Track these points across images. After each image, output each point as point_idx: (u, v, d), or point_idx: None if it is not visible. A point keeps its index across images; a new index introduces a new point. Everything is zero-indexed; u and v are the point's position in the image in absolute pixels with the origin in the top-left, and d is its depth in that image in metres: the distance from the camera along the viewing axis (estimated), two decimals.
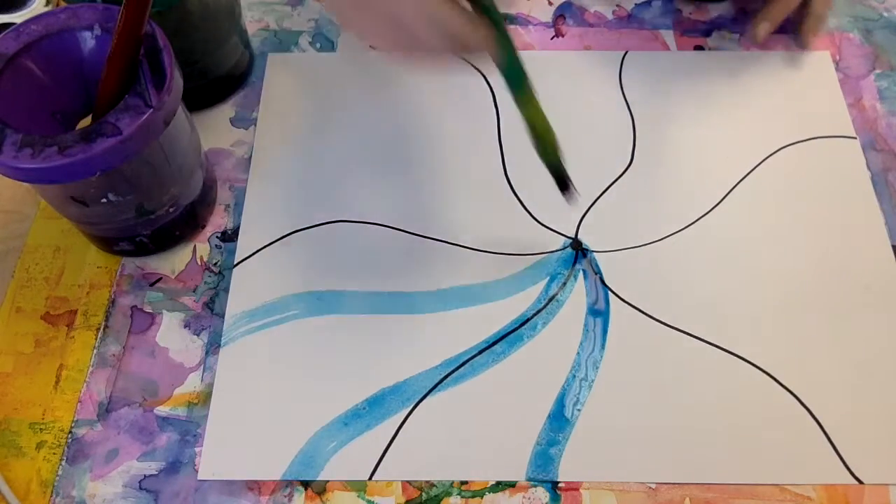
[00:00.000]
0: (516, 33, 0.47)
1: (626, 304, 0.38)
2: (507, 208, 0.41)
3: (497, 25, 0.30)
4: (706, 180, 0.42)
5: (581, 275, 0.39)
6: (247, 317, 0.38)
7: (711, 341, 0.37)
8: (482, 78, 0.45)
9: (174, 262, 0.40)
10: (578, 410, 0.35)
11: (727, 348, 0.37)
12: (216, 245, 0.40)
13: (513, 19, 0.48)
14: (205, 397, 0.36)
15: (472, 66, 0.32)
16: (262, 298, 0.38)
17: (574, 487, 0.34)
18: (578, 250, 0.40)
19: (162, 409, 0.36)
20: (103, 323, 0.38)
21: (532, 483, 0.34)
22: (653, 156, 0.43)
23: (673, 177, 0.42)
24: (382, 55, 0.32)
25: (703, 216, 0.41)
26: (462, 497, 0.34)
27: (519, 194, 0.41)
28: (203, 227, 0.41)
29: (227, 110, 0.45)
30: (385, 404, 0.36)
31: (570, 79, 0.45)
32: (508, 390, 0.36)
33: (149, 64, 0.33)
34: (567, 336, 0.37)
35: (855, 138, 0.43)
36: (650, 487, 0.34)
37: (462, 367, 0.36)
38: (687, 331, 0.37)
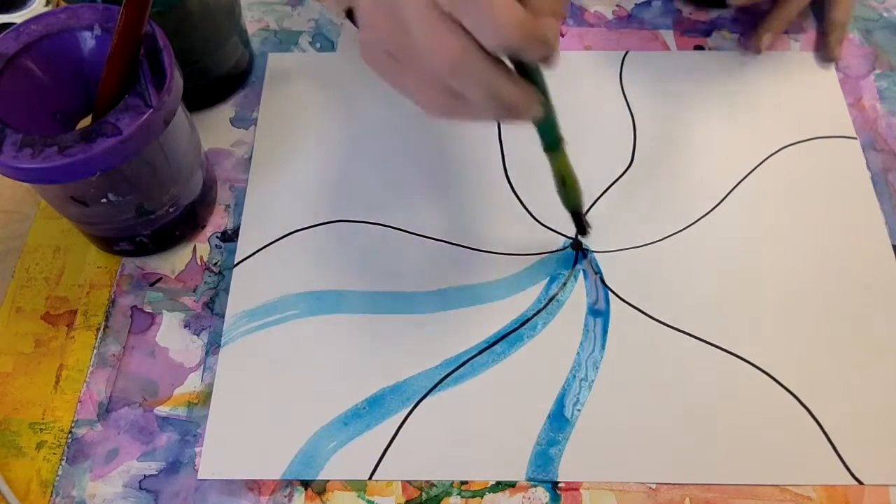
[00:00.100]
0: None
1: (627, 305, 0.38)
2: (507, 208, 0.41)
3: (544, 92, 0.30)
4: (707, 180, 0.42)
5: (581, 275, 0.39)
6: (247, 316, 0.38)
7: (711, 341, 0.37)
8: None
9: (174, 262, 0.40)
10: (578, 410, 0.35)
11: (727, 348, 0.37)
12: (216, 245, 0.40)
13: None
14: (205, 397, 0.36)
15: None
16: (262, 298, 0.38)
17: (574, 487, 0.34)
18: (579, 250, 0.40)
19: (162, 409, 0.36)
20: (103, 323, 0.38)
21: (532, 483, 0.34)
22: (653, 156, 0.43)
23: (673, 177, 0.42)
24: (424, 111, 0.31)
25: (703, 216, 0.41)
26: (462, 497, 0.34)
27: (519, 194, 0.41)
28: (203, 227, 0.41)
29: (227, 110, 0.45)
30: (385, 404, 0.36)
31: (570, 79, 0.45)
32: (508, 390, 0.36)
33: (149, 64, 0.33)
34: (567, 336, 0.37)
35: (855, 138, 0.43)
36: (650, 487, 0.34)
37: (462, 367, 0.36)
38: (687, 331, 0.37)
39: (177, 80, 0.33)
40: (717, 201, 0.41)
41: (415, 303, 0.38)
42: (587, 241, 0.40)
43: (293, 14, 0.49)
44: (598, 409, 0.35)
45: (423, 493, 0.34)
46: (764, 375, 0.36)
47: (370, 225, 0.41)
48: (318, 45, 0.47)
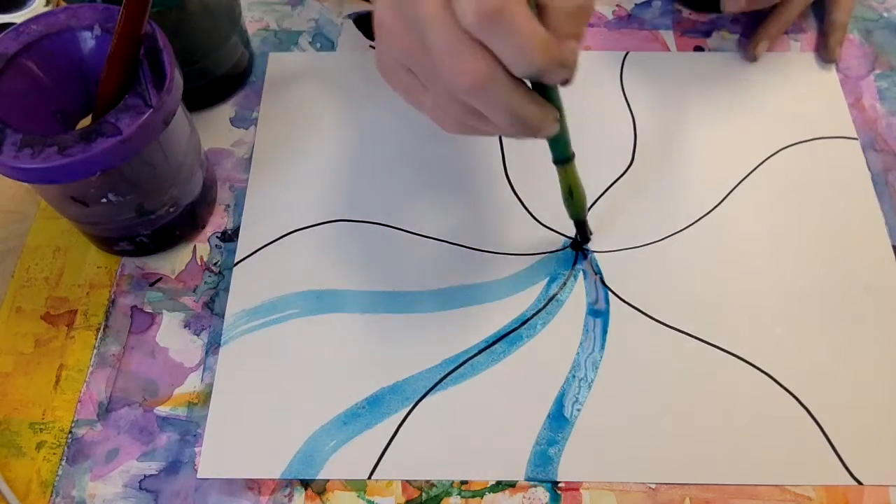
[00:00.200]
0: None
1: (626, 305, 0.38)
2: (507, 208, 0.41)
3: (559, 109, 0.30)
4: (707, 181, 0.42)
5: (581, 275, 0.39)
6: (246, 315, 0.38)
7: (711, 341, 0.37)
8: None
9: (174, 262, 0.40)
10: (578, 410, 0.35)
11: (727, 348, 0.37)
12: (216, 245, 0.40)
13: None
14: (205, 397, 0.36)
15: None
16: (261, 297, 0.38)
17: (574, 487, 0.34)
18: (578, 250, 0.40)
19: (162, 409, 0.36)
20: (103, 323, 0.38)
21: (532, 483, 0.34)
22: (654, 156, 0.43)
23: (674, 177, 0.42)
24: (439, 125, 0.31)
25: (703, 216, 0.41)
26: (462, 497, 0.34)
27: (519, 194, 0.41)
28: (203, 227, 0.41)
29: (227, 110, 0.45)
30: (384, 404, 0.36)
31: None
32: (508, 390, 0.36)
33: (149, 64, 0.33)
34: (567, 336, 0.37)
35: (855, 139, 0.43)
36: (650, 487, 0.34)
37: (462, 367, 0.36)
38: (687, 331, 0.37)
39: (177, 80, 0.33)
40: (718, 201, 0.41)
41: (415, 302, 0.38)
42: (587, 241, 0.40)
43: (293, 14, 0.49)
44: (598, 409, 0.35)
45: (423, 493, 0.34)
46: (763, 375, 0.36)
47: (370, 224, 0.41)
48: (318, 45, 0.47)
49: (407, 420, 0.35)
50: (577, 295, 0.38)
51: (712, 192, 0.41)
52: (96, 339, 0.37)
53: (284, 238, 0.40)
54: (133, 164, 0.33)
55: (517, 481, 0.34)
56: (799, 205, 0.41)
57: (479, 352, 0.37)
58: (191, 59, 0.40)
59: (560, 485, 0.34)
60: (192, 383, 0.36)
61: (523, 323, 0.38)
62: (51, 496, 0.34)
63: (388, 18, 0.29)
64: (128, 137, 0.31)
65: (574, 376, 0.36)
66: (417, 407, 0.35)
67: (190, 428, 0.35)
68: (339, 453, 0.34)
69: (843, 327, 0.37)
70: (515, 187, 0.42)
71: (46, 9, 0.46)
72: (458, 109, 0.29)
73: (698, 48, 0.47)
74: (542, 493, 0.34)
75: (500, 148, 0.43)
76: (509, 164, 0.42)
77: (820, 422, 0.35)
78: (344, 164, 0.43)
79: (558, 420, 0.35)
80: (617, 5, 0.49)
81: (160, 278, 0.39)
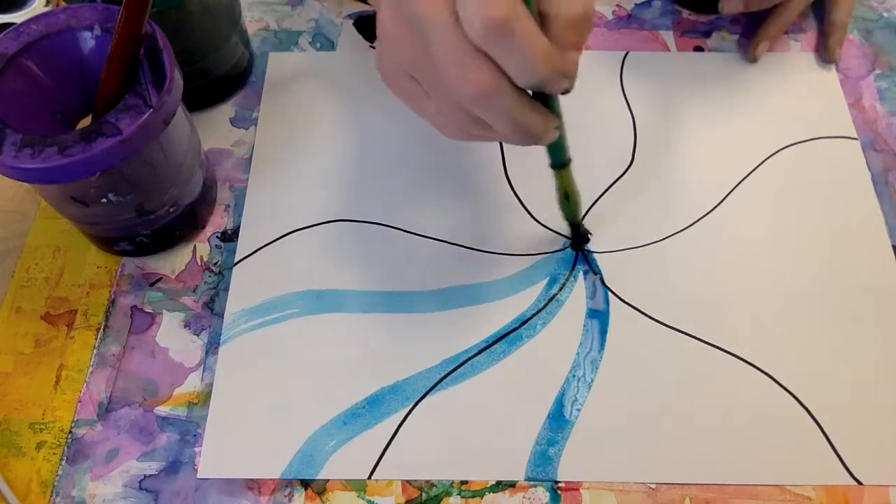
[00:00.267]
0: None
1: (626, 305, 0.38)
2: (507, 208, 0.41)
3: (559, 116, 0.31)
4: (707, 181, 0.42)
5: (581, 275, 0.39)
6: (246, 315, 0.38)
7: (711, 341, 0.37)
8: None
9: (174, 262, 0.40)
10: (578, 410, 0.35)
11: (727, 348, 0.37)
12: (216, 245, 0.40)
13: None
14: (205, 397, 0.36)
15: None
16: (261, 297, 0.38)
17: (574, 487, 0.34)
18: (578, 251, 0.40)
19: (162, 409, 0.36)
20: (103, 323, 0.38)
21: (532, 483, 0.34)
22: (654, 156, 0.43)
23: (674, 177, 0.42)
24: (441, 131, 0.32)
25: (703, 216, 0.41)
26: (462, 497, 0.34)
27: (519, 194, 0.41)
28: (203, 227, 0.41)
29: (227, 110, 0.45)
30: (384, 403, 0.36)
31: None
32: (508, 390, 0.36)
33: (149, 64, 0.33)
34: (566, 336, 0.37)
35: (856, 139, 0.43)
36: (650, 487, 0.34)
37: (461, 367, 0.36)
38: (687, 331, 0.37)
39: (177, 80, 0.33)
40: (718, 202, 0.41)
41: (415, 302, 0.38)
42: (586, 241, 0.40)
43: (293, 14, 0.49)
44: (598, 409, 0.35)
45: (423, 493, 0.34)
46: (763, 375, 0.36)
47: (370, 224, 0.41)
48: (318, 45, 0.47)
49: (407, 420, 0.35)
50: (577, 295, 0.38)
51: (712, 192, 0.41)
52: (96, 339, 0.37)
53: (284, 238, 0.40)
54: (133, 164, 0.33)
55: (517, 481, 0.34)
56: (799, 205, 0.41)
57: (479, 352, 0.37)
58: (191, 59, 0.40)
59: (560, 485, 0.34)
60: (192, 383, 0.36)
61: (523, 323, 0.38)
62: (51, 496, 0.34)
63: (392, 25, 0.29)
64: (128, 137, 0.31)
65: (574, 376, 0.36)
66: (417, 407, 0.35)
67: (190, 428, 0.35)
68: (339, 453, 0.34)
69: (843, 327, 0.37)
70: (515, 188, 0.42)
71: (46, 9, 0.46)
72: (462, 117, 0.29)
73: (698, 48, 0.47)
74: (542, 493, 0.34)
75: (500, 149, 0.43)
76: (509, 164, 0.42)
77: (820, 422, 0.35)
78: (344, 164, 0.43)
79: (558, 420, 0.35)
80: (617, 5, 0.49)
81: (160, 278, 0.39)
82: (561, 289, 0.38)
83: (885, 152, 0.43)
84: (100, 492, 0.34)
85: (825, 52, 0.46)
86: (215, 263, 0.40)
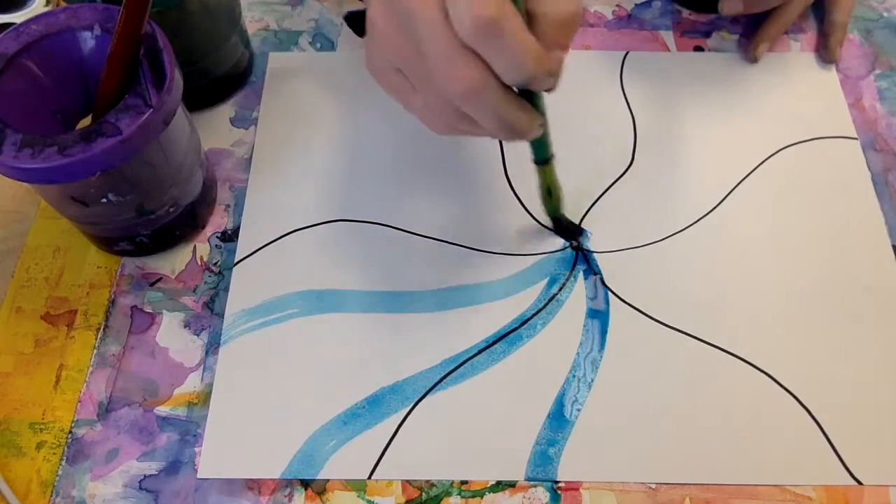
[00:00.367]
0: None
1: (626, 305, 0.38)
2: (507, 208, 0.41)
3: (543, 114, 0.31)
4: (707, 181, 0.42)
5: (581, 275, 0.39)
6: (246, 315, 0.38)
7: (711, 341, 0.37)
8: None
9: (174, 262, 0.40)
10: (578, 410, 0.35)
11: (727, 348, 0.37)
12: (216, 245, 0.40)
13: None
14: (205, 397, 0.36)
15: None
16: (261, 297, 0.38)
17: (574, 487, 0.34)
18: (578, 250, 0.40)
19: (162, 409, 0.36)
20: (103, 323, 0.38)
21: (532, 483, 0.34)
22: (654, 156, 0.43)
23: (674, 177, 0.42)
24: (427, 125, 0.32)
25: (703, 216, 0.41)
26: (462, 497, 0.34)
27: (519, 194, 0.41)
28: (203, 227, 0.41)
29: (227, 110, 0.45)
30: (384, 404, 0.36)
31: (570, 79, 0.45)
32: (508, 390, 0.36)
33: (149, 64, 0.33)
34: (566, 336, 0.37)
35: (856, 139, 0.43)
36: (650, 487, 0.34)
37: (461, 367, 0.36)
38: (686, 331, 0.37)
39: (177, 80, 0.33)
40: (718, 202, 0.41)
41: (415, 302, 0.38)
42: (586, 241, 0.40)
43: (293, 14, 0.49)
44: (598, 409, 0.35)
45: (423, 493, 0.34)
46: (763, 375, 0.36)
47: (370, 224, 0.41)
48: (318, 45, 0.47)
49: (407, 420, 0.35)
50: (577, 295, 0.38)
51: (712, 193, 0.41)
52: (96, 339, 0.37)
53: (284, 238, 0.40)
54: (133, 164, 0.33)
55: (517, 481, 0.34)
56: (799, 205, 0.41)
57: (479, 352, 0.37)
58: (191, 59, 0.40)
59: (560, 485, 0.34)
60: (192, 383, 0.36)
61: (523, 323, 0.38)
62: (51, 496, 0.34)
63: (382, 21, 0.29)
64: (128, 137, 0.31)
65: (574, 376, 0.36)
66: (417, 407, 0.35)
67: (190, 428, 0.35)
68: (339, 453, 0.34)
69: (843, 327, 0.37)
70: (515, 188, 0.42)
71: (46, 9, 0.46)
72: (449, 113, 0.30)
73: (698, 48, 0.47)
74: (542, 493, 0.34)
75: (500, 148, 0.43)
76: (509, 164, 0.42)
77: (820, 422, 0.35)
78: (344, 164, 0.43)
79: (558, 420, 0.35)
80: (617, 5, 0.49)
81: (160, 278, 0.39)
82: (561, 289, 0.38)
83: (885, 152, 0.43)
84: (100, 492, 0.34)
85: (825, 52, 0.46)
86: (215, 263, 0.40)
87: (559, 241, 0.40)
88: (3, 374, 0.37)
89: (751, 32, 0.46)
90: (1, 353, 0.37)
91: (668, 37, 0.47)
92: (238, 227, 0.41)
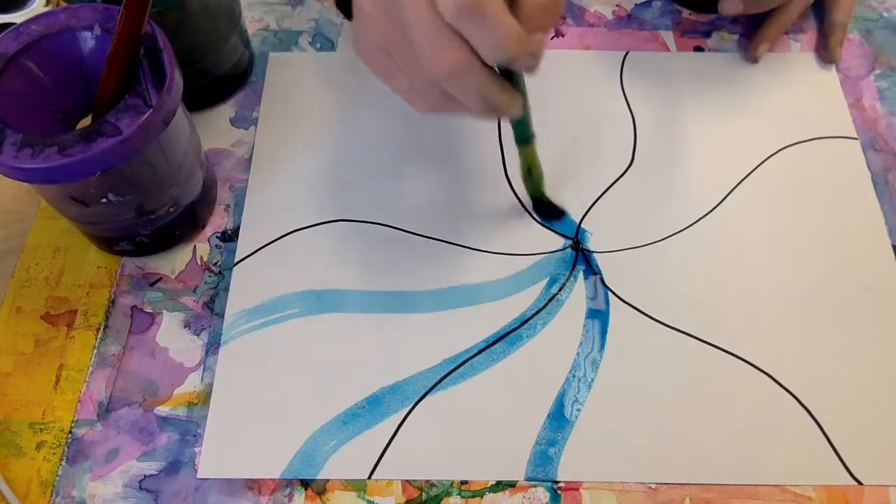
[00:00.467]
0: None
1: (626, 305, 0.38)
2: (507, 208, 0.41)
3: (523, 94, 0.33)
4: (707, 181, 0.42)
5: (581, 275, 0.39)
6: (246, 315, 0.38)
7: (711, 341, 0.37)
8: None
9: (174, 262, 0.40)
10: (578, 410, 0.35)
11: (727, 348, 0.37)
12: (216, 245, 0.40)
13: None
14: (205, 397, 0.36)
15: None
16: (261, 297, 0.38)
17: (574, 487, 0.34)
18: (578, 251, 0.40)
19: (162, 409, 0.36)
20: (103, 323, 0.38)
21: (532, 483, 0.34)
22: (654, 156, 0.43)
23: (674, 177, 0.42)
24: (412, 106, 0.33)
25: (703, 216, 0.41)
26: (462, 497, 0.34)
27: (519, 194, 0.41)
28: (203, 227, 0.41)
29: (227, 110, 0.45)
30: (384, 404, 0.36)
31: (570, 79, 0.45)
32: (508, 390, 0.36)
33: (149, 64, 0.33)
34: (566, 336, 0.37)
35: (856, 139, 0.43)
36: (650, 487, 0.34)
37: (461, 367, 0.36)
38: (686, 331, 0.37)
39: (177, 80, 0.33)
40: (718, 202, 0.41)
41: (414, 302, 0.38)
42: (587, 242, 0.40)
43: (293, 14, 0.49)
44: (598, 409, 0.35)
45: (423, 493, 0.34)
46: (763, 375, 0.36)
47: (370, 224, 0.41)
48: (318, 45, 0.47)
49: (407, 420, 0.35)
50: (577, 295, 0.38)
51: (712, 193, 0.41)
52: (96, 339, 0.37)
53: (284, 238, 0.40)
54: (133, 164, 0.33)
55: (517, 481, 0.34)
56: (799, 205, 0.41)
57: (479, 352, 0.37)
58: (191, 59, 0.40)
59: (560, 485, 0.34)
60: (192, 383, 0.36)
61: (523, 323, 0.38)
62: (51, 496, 0.34)
63: (370, 4, 0.30)
64: (128, 137, 0.31)
65: (574, 376, 0.36)
66: (417, 407, 0.35)
67: (190, 428, 0.35)
68: (339, 453, 0.34)
69: (843, 327, 0.37)
70: (515, 188, 0.42)
71: (46, 9, 0.46)
72: (434, 93, 0.31)
73: (698, 48, 0.47)
74: (542, 493, 0.34)
75: (500, 148, 0.43)
76: (509, 164, 0.42)
77: (820, 422, 0.35)
78: (344, 164, 0.43)
79: (558, 420, 0.35)
80: (617, 5, 0.49)
81: (160, 278, 0.39)
82: (561, 289, 0.38)
83: (885, 152, 0.43)
84: (100, 492, 0.34)
85: (825, 52, 0.46)
86: (215, 263, 0.40)
87: (559, 241, 0.40)
88: (3, 374, 0.37)
89: (751, 32, 0.46)
90: (1, 353, 0.37)
91: (668, 37, 0.47)
92: (238, 227, 0.41)
